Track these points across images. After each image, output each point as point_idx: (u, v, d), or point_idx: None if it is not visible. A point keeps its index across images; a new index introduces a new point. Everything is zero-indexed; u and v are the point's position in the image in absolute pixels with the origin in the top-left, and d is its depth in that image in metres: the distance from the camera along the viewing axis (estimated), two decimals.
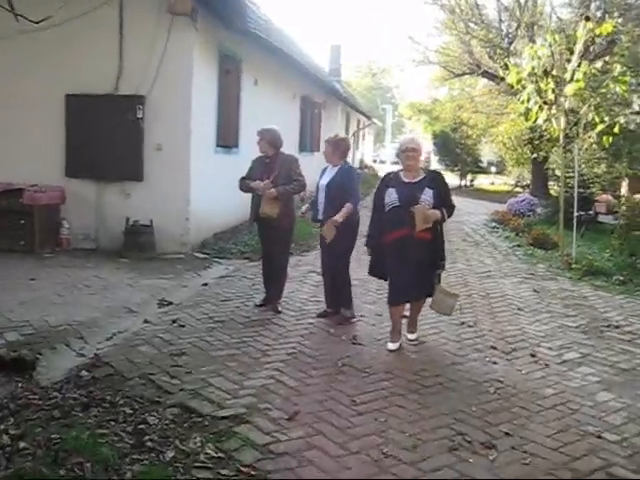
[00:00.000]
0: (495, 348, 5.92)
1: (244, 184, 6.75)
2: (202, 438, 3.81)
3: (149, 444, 3.69)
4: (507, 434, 4.14)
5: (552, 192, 22.04)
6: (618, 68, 9.65)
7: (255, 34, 10.52)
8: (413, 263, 5.52)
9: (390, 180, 5.78)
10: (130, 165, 9.33)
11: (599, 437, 4.17)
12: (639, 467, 3.82)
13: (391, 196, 5.57)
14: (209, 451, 3.65)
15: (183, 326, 6.08)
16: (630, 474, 3.74)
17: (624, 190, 16.87)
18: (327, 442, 3.90)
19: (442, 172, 6.24)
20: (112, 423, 3.94)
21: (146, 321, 6.17)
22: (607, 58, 10.68)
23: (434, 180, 5.65)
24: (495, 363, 5.54)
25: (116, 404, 4.23)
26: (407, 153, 5.61)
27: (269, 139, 6.68)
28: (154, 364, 5.02)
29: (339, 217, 6.16)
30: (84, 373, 4.74)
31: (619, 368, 5.54)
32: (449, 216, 5.63)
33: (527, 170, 26.05)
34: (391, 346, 5.73)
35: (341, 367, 5.22)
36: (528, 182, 24.97)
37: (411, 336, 6.00)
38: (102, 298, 6.86)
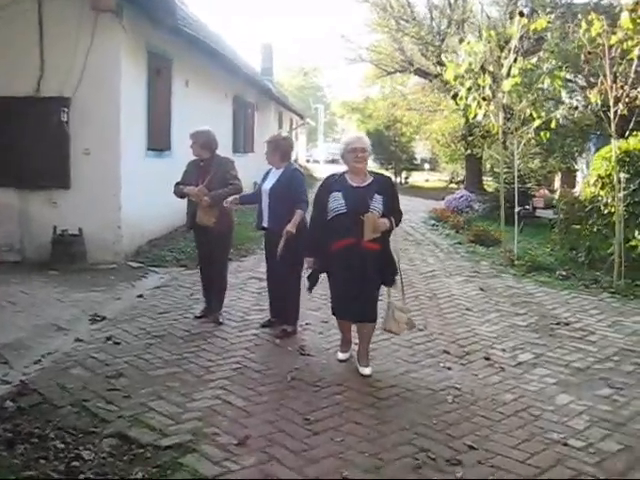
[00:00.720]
0: (448, 352, 5.73)
1: (178, 189, 6.39)
2: (144, 473, 3.44)
3: None
4: (471, 447, 3.92)
5: (486, 187, 22.32)
6: (553, 62, 9.66)
7: (185, 32, 10.11)
8: (358, 276, 4.97)
9: (334, 183, 5.14)
10: (56, 171, 8.75)
11: (565, 445, 4.00)
12: (609, 475, 3.65)
13: (336, 201, 4.98)
14: None
15: (118, 343, 5.66)
16: None
17: (557, 184, 17.14)
18: (282, 469, 3.59)
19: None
20: (42, 462, 3.52)
21: (78, 340, 5.71)
22: (541, 54, 10.70)
23: (383, 185, 5.14)
24: (450, 369, 5.33)
25: (46, 438, 3.81)
26: (356, 154, 5.04)
27: (202, 142, 6.32)
28: (88, 389, 4.60)
29: (291, 228, 5.73)
30: (9, 404, 4.27)
31: (574, 368, 5.41)
32: (397, 225, 5.10)
33: (461, 166, 26.31)
34: (341, 356, 5.42)
35: (290, 381, 4.91)
36: (462, 178, 25.17)
37: (365, 371, 5.11)
38: (29, 316, 6.34)
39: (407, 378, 5.08)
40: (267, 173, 6.23)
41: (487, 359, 5.58)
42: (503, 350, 5.83)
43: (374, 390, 4.79)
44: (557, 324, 6.66)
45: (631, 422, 4.36)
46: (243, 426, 4.09)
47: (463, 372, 5.25)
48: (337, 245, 4.99)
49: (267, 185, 6.06)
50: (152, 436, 3.88)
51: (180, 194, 6.37)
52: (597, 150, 15.02)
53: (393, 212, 5.06)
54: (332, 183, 5.17)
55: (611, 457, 3.87)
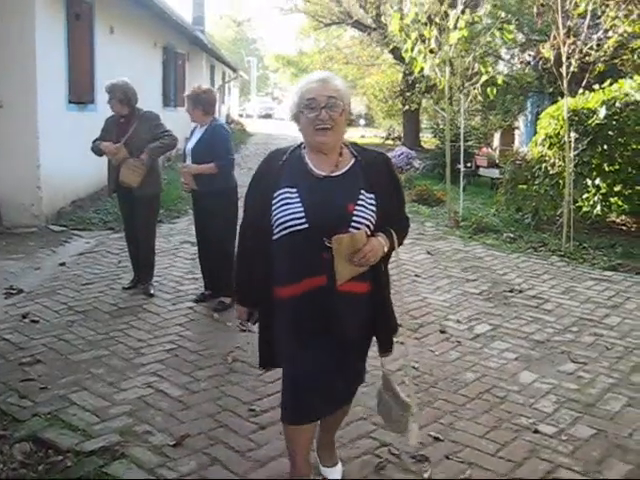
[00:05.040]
0: (400, 325, 5.30)
1: (95, 146, 5.76)
2: None
3: None
4: (437, 439, 3.53)
5: (423, 144, 22.06)
6: (502, 15, 9.25)
7: None
8: (329, 343, 2.63)
9: (283, 170, 2.65)
10: None
11: (536, 432, 3.66)
12: (585, 466, 3.33)
13: (287, 208, 2.55)
14: None
15: (36, 322, 5.03)
16: (578, 476, 3.23)
17: (496, 142, 16.96)
18: (226, 474, 3.11)
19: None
20: None
21: None
22: (488, 7, 10.28)
23: (375, 172, 2.67)
24: (403, 343, 4.87)
25: None
26: (318, 114, 2.54)
27: (120, 97, 5.64)
28: None
29: (195, 169, 5.33)
30: None
31: (534, 340, 5.10)
32: (401, 242, 2.76)
33: (397, 122, 25.93)
34: None
35: (231, 363, 4.42)
36: (399, 134, 24.82)
37: (333, 473, 3.10)
38: None
39: None
40: (192, 132, 5.66)
41: (442, 332, 5.21)
42: (458, 322, 5.47)
43: None
44: (510, 291, 6.36)
45: (600, 402, 4.06)
46: (180, 421, 3.59)
47: (419, 348, 4.85)
48: (293, 289, 2.60)
49: (189, 145, 5.52)
50: (73, 438, 3.33)
51: (98, 151, 5.73)
52: (536, 108, 14.95)
53: (393, 221, 2.71)
54: (278, 170, 2.65)
55: (585, 444, 3.55)
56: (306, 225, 2.51)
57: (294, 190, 2.56)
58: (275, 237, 2.61)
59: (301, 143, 2.73)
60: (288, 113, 2.77)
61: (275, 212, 2.57)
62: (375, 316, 2.74)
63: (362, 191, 2.59)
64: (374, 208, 2.59)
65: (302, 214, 2.52)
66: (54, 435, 3.35)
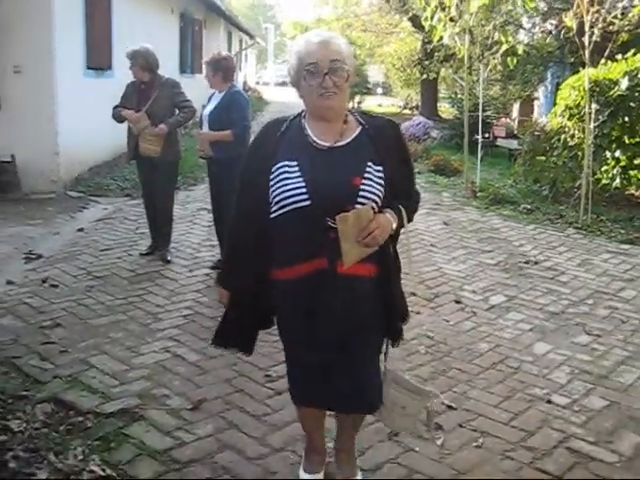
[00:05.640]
0: (415, 294, 5.33)
1: (116, 112, 5.76)
2: (84, 447, 2.97)
3: (12, 464, 2.80)
4: (450, 407, 3.57)
5: (441, 114, 21.85)
6: None
7: None
8: (334, 329, 2.40)
9: (279, 141, 2.41)
10: None
11: (549, 402, 3.69)
12: (597, 436, 3.36)
13: (287, 182, 2.31)
14: (94, 468, 2.81)
15: (56, 286, 5.10)
16: (590, 447, 3.27)
17: (515, 113, 16.77)
18: (242, 437, 3.17)
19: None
20: None
21: (9, 282, 5.13)
22: None
23: (383, 142, 2.41)
24: (419, 313, 4.95)
25: None
26: (320, 79, 2.29)
27: (142, 63, 5.64)
28: (19, 342, 4.07)
29: (211, 136, 5.33)
30: None
31: (548, 312, 5.10)
32: (410, 219, 2.50)
33: (415, 91, 25.68)
34: (305, 476, 2.86)
35: None
36: (417, 104, 24.59)
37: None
38: None
39: None
40: (210, 98, 5.62)
41: (458, 302, 5.23)
42: (473, 292, 5.49)
43: None
44: (526, 263, 6.35)
45: (613, 374, 4.08)
46: (197, 386, 3.65)
47: (434, 317, 4.89)
48: (291, 272, 2.39)
49: (206, 111, 5.49)
50: (93, 400, 3.40)
51: (119, 118, 5.73)
52: (556, 79, 14.73)
53: (403, 196, 2.46)
54: (276, 142, 2.40)
55: (597, 415, 3.58)
56: (308, 202, 2.26)
57: (294, 164, 2.31)
58: (272, 215, 2.34)
59: (302, 111, 2.47)
60: (287, 77, 2.51)
61: (273, 188, 2.31)
62: (384, 301, 2.46)
63: (370, 163, 2.33)
64: (382, 182, 2.33)
65: (304, 189, 2.26)
66: (74, 397, 3.42)
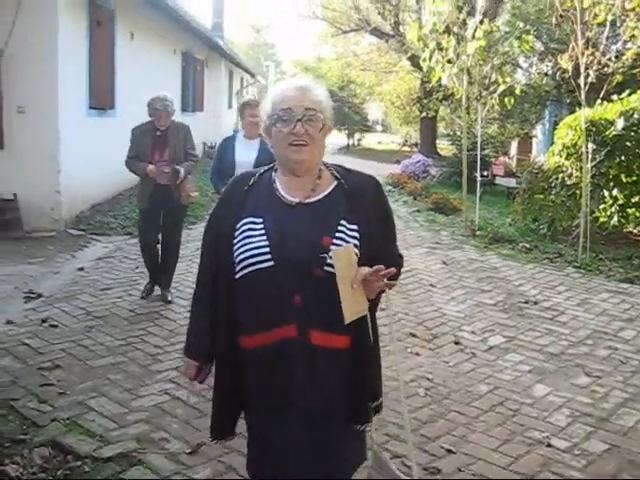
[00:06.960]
0: (415, 335, 5.35)
1: (135, 166, 5.65)
2: None
3: None
4: (449, 451, 3.55)
5: (440, 151, 22.03)
6: (520, 25, 9.26)
7: None
8: (299, 413, 2.03)
9: (246, 196, 2.17)
10: None
11: (549, 445, 3.67)
12: None
13: (251, 241, 2.05)
14: None
15: (55, 326, 5.10)
16: None
17: (514, 151, 16.92)
18: None
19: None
20: None
21: (9, 322, 5.13)
22: (506, 16, 10.30)
23: (359, 197, 2.14)
24: (418, 354, 4.96)
25: None
26: (291, 126, 2.06)
27: (172, 110, 5.68)
28: (18, 384, 4.05)
29: None
30: None
31: (548, 353, 5.10)
32: (392, 285, 2.08)
33: (414, 129, 25.94)
34: None
35: None
36: (416, 141, 24.82)
37: None
38: None
39: None
40: (231, 142, 5.38)
41: (457, 343, 5.23)
42: (472, 332, 5.49)
43: None
44: (525, 302, 6.36)
45: (614, 417, 4.06)
46: (195, 429, 3.63)
47: (433, 359, 4.88)
48: (252, 341, 2.08)
49: (248, 158, 5.08)
50: (91, 444, 3.38)
51: (142, 173, 5.63)
52: (554, 117, 14.90)
53: (382, 258, 2.03)
54: (242, 197, 2.17)
55: (598, 460, 3.56)
56: (271, 263, 2.01)
57: (259, 220, 2.07)
58: (237, 276, 2.07)
59: (273, 164, 2.24)
60: (260, 124, 2.31)
61: (236, 247, 2.07)
62: (356, 378, 2.09)
63: (343, 221, 2.05)
64: (357, 242, 2.04)
65: (267, 249, 2.02)
66: (73, 440, 3.41)
